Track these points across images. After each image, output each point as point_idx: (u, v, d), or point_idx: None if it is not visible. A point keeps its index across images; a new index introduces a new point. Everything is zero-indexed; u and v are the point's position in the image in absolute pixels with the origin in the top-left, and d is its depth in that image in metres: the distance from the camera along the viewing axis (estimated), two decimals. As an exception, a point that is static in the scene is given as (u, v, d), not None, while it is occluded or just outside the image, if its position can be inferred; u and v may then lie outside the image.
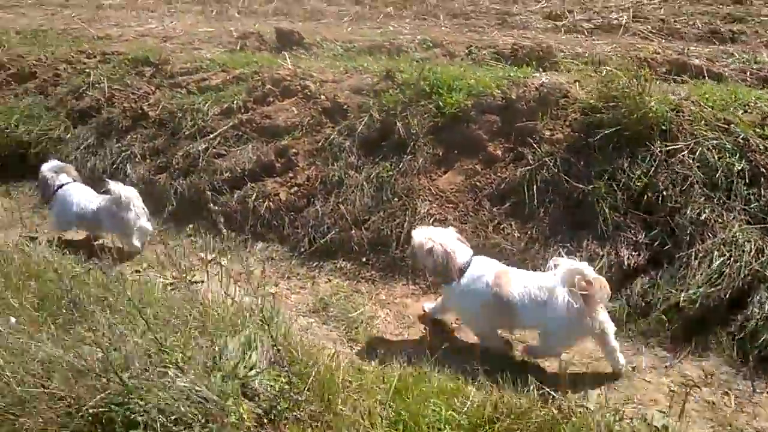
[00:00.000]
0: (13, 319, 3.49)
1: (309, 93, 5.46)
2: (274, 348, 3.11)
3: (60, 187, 4.90)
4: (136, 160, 5.54)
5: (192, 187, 5.24)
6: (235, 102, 5.54)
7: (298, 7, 9.29)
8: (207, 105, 5.58)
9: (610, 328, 3.30)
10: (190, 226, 5.15)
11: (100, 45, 7.26)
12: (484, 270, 3.46)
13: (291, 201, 4.92)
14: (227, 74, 5.92)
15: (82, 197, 4.82)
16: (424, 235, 3.53)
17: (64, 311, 3.57)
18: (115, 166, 5.58)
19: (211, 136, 5.39)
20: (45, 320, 3.50)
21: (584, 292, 3.13)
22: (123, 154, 5.60)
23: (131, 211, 4.66)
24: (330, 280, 4.47)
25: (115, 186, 4.59)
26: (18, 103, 6.45)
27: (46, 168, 4.97)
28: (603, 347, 3.36)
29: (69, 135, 5.94)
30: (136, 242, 4.85)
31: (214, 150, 5.32)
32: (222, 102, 5.59)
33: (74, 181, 5.00)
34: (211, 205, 5.12)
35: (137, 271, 4.78)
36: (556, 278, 3.22)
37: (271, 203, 4.91)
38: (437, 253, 3.46)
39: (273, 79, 5.65)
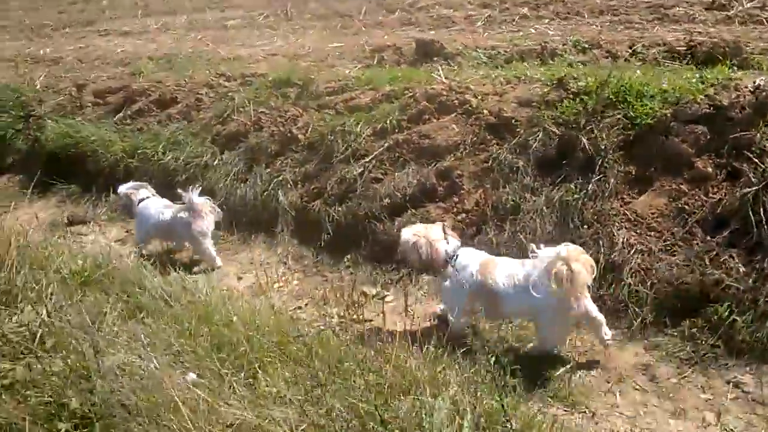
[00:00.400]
0: (193, 375, 3.18)
1: (469, 108, 4.97)
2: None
3: (141, 201, 5.12)
4: (288, 186, 5.27)
5: (349, 214, 4.89)
6: (388, 122, 5.14)
7: (423, 15, 8.87)
8: (359, 126, 5.21)
9: (593, 309, 3.38)
10: (348, 256, 4.78)
11: (238, 67, 7.13)
12: (470, 260, 3.56)
13: (458, 229, 4.43)
14: (376, 92, 5.54)
15: (159, 208, 4.99)
16: (410, 232, 3.69)
17: (243, 363, 3.27)
18: (266, 192, 5.33)
19: (366, 159, 5.02)
20: (227, 373, 3.19)
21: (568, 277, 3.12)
22: (274, 180, 5.34)
23: (204, 220, 4.77)
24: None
25: (188, 195, 4.69)
26: (162, 129, 6.40)
27: (125, 187, 5.23)
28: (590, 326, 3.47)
29: (216, 161, 5.77)
30: (212, 251, 4.92)
31: (370, 174, 4.95)
32: (374, 122, 5.21)
33: (153, 196, 5.20)
34: (371, 233, 4.74)
35: (299, 308, 4.48)
36: (540, 265, 3.22)
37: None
38: (421, 246, 3.59)
39: (427, 95, 5.20)
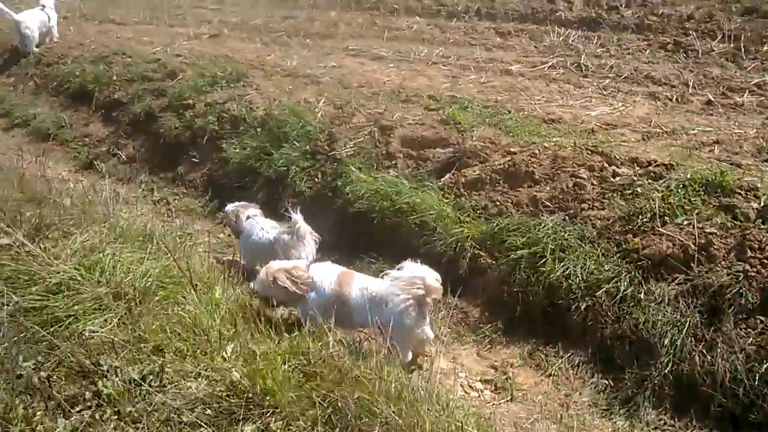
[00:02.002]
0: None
1: None
2: None
3: (248, 218, 5.10)
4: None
5: None
6: None
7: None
8: None
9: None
10: None
11: (604, 143, 5.32)
12: (325, 274, 3.71)
13: None
14: None
15: (263, 227, 4.99)
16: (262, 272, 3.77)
17: None
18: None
19: None
20: None
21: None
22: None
23: (306, 246, 4.71)
24: None
25: (294, 216, 4.63)
26: (530, 220, 4.67)
27: (232, 206, 5.25)
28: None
29: (642, 293, 3.93)
30: None
31: None
32: None
33: (259, 215, 5.18)
34: None
35: None
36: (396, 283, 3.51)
37: None
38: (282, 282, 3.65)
39: None
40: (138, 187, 7.38)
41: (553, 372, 3.97)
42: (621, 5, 11.11)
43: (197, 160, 7.12)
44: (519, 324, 4.30)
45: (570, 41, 9.44)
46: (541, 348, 4.14)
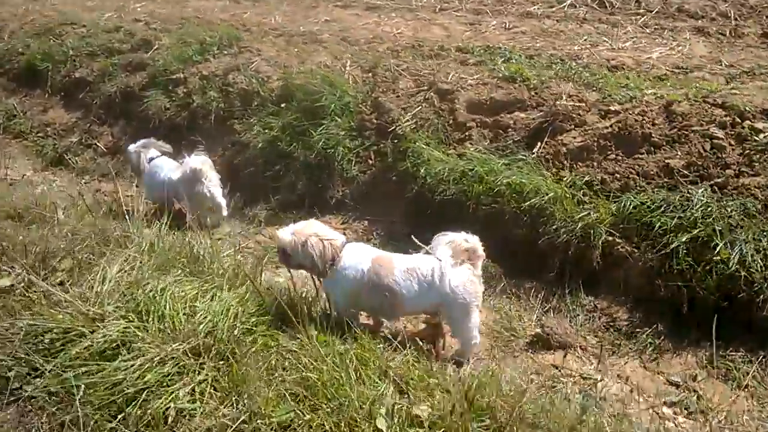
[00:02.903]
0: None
1: None
2: None
3: (150, 160, 5.00)
4: None
5: None
6: None
7: None
8: None
9: None
10: None
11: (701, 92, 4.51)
12: (361, 256, 3.16)
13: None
14: None
15: (169, 168, 4.88)
16: (291, 232, 3.16)
17: None
18: None
19: None
20: None
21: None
22: None
23: (210, 181, 4.69)
24: None
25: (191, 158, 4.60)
26: (670, 195, 3.84)
27: (134, 146, 5.11)
28: None
29: None
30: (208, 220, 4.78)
31: None
32: None
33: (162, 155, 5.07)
34: None
35: None
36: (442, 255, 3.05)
37: None
38: (313, 245, 3.10)
39: None
40: (126, 181, 6.03)
41: (747, 383, 3.23)
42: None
43: (203, 146, 5.83)
44: (686, 325, 3.52)
45: (581, -24, 8.47)
46: (723, 353, 3.39)
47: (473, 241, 3.09)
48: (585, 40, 6.47)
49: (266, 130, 5.46)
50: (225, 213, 4.97)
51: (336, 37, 7.11)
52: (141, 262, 3.64)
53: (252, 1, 9.11)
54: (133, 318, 3.10)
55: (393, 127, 4.86)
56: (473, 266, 3.10)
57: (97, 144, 6.46)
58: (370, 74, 5.81)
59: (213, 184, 4.75)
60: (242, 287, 3.48)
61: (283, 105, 5.52)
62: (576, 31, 6.84)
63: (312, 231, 3.19)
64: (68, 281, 3.62)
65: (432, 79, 5.23)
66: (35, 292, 3.49)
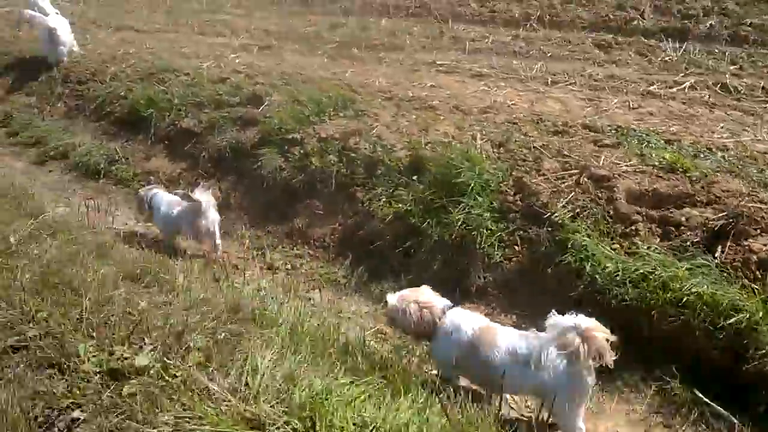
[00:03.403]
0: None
1: None
2: None
3: (152, 197, 5.29)
4: None
5: None
6: None
7: None
8: None
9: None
10: None
11: None
12: (464, 322, 3.21)
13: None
14: None
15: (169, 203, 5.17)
16: (397, 297, 3.37)
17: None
18: None
19: None
20: None
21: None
22: None
23: (209, 217, 5.00)
24: None
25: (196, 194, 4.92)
26: None
27: (142, 191, 5.48)
28: None
29: None
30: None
31: None
32: None
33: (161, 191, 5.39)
34: None
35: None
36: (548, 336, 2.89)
37: None
38: (411, 312, 3.28)
39: None
40: (238, 242, 5.68)
41: None
42: (699, 14, 9.97)
43: (321, 212, 5.46)
44: None
45: (693, 56, 8.14)
46: None
47: (592, 326, 2.81)
48: (722, 127, 6.04)
49: (395, 203, 5.07)
50: (219, 242, 5.26)
51: (447, 105, 6.81)
52: (284, 347, 3.22)
53: (349, 60, 8.95)
54: (298, 426, 2.63)
55: (547, 214, 4.42)
56: (589, 353, 2.78)
57: (204, 198, 6.14)
58: (501, 149, 5.44)
59: (213, 220, 5.09)
60: (411, 393, 3.01)
61: (414, 177, 5.14)
62: (708, 116, 6.42)
63: (414, 297, 3.32)
64: (209, 365, 3.19)
65: (582, 162, 4.81)
66: (174, 375, 3.05)
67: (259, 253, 5.46)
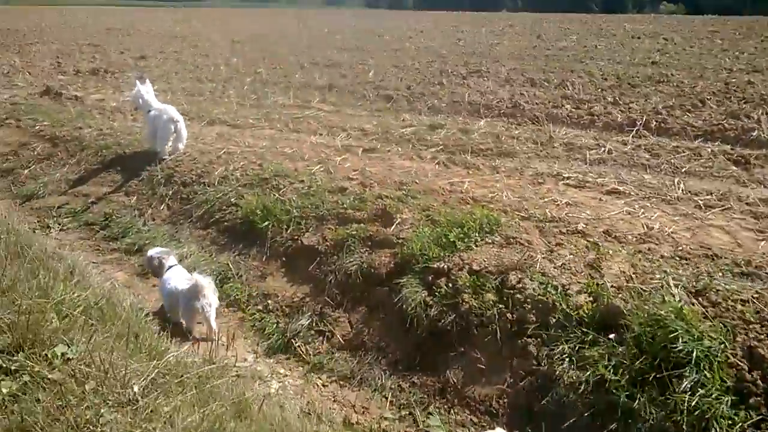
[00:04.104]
0: None
1: None
2: None
3: (169, 267, 5.45)
4: None
5: None
6: None
7: None
8: None
9: None
10: None
11: None
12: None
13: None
14: None
15: (179, 279, 5.28)
16: None
17: None
18: None
19: None
20: None
21: None
22: None
23: (207, 298, 5.09)
24: None
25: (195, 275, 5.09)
26: None
27: (155, 252, 5.56)
28: None
29: None
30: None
31: None
32: None
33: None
34: None
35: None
36: None
37: None
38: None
39: None
40: (375, 393, 4.78)
41: None
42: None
43: (483, 366, 4.55)
44: None
45: None
46: None
47: None
48: None
49: (586, 366, 4.13)
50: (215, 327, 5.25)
51: (596, 230, 5.99)
52: None
53: (463, 167, 8.31)
54: None
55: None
56: None
57: (332, 332, 5.33)
58: (702, 300, 4.50)
59: (210, 303, 5.15)
60: None
61: (608, 334, 4.21)
62: None
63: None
64: None
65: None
66: None
67: (407, 412, 4.53)
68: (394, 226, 5.87)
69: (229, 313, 5.90)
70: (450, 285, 5.09)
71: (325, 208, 6.41)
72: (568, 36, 26.38)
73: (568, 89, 14.17)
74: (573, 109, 12.02)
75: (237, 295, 6.00)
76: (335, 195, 6.71)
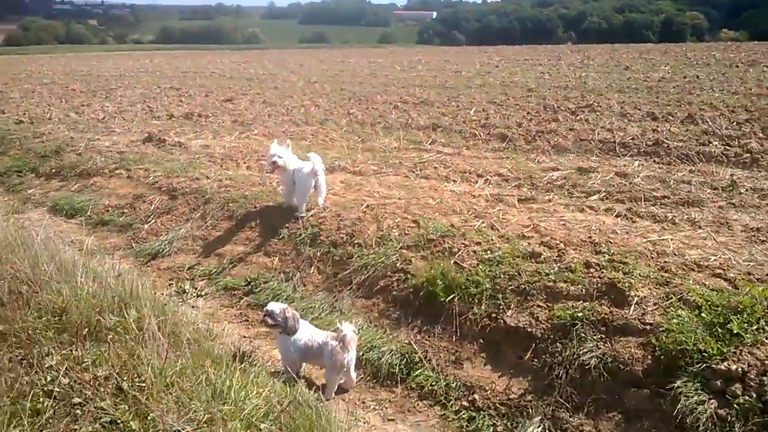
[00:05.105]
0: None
1: None
2: None
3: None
4: None
5: None
6: None
7: None
8: None
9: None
10: None
11: None
12: None
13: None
14: None
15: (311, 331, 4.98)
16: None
17: None
18: None
19: None
20: None
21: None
22: None
23: (350, 351, 4.76)
24: None
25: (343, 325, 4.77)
26: None
27: (278, 306, 4.99)
28: None
29: None
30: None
31: None
32: None
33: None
34: None
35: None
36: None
37: None
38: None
39: None
40: None
41: None
42: None
43: None
44: None
45: None
46: None
47: None
48: None
49: None
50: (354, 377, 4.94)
51: None
52: None
53: (651, 220, 7.06)
54: None
55: None
56: None
57: (578, 445, 4.09)
58: None
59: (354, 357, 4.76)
60: None
61: None
62: None
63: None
64: None
65: None
66: None
67: None
68: (632, 308, 4.65)
69: (424, 408, 4.78)
70: (748, 393, 3.81)
71: (524, 279, 5.25)
72: (657, 67, 24.88)
73: (700, 123, 12.77)
74: (725, 147, 10.65)
75: (431, 385, 4.88)
76: (528, 261, 5.56)
